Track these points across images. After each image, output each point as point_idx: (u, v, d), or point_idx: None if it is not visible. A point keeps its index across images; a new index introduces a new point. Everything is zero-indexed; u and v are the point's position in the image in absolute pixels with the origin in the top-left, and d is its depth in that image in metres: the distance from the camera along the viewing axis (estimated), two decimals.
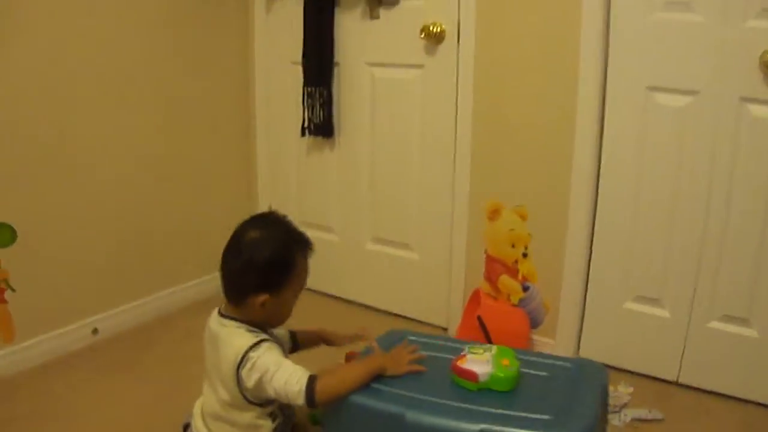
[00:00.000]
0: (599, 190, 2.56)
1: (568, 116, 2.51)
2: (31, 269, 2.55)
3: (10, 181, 2.47)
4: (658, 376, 2.61)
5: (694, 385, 2.55)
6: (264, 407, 1.87)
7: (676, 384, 2.58)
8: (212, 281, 3.10)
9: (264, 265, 1.82)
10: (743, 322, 2.40)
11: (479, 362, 1.75)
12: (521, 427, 1.57)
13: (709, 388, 2.52)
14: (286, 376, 1.74)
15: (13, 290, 2.51)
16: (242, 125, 3.37)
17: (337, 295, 3.31)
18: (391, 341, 2.01)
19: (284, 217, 1.95)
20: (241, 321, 1.86)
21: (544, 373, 1.82)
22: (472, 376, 1.72)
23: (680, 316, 2.50)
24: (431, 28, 2.74)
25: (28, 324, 2.59)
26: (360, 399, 1.73)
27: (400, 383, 1.77)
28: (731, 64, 2.23)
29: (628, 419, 2.38)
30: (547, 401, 1.68)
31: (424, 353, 1.89)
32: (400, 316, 3.17)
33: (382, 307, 3.21)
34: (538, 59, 2.56)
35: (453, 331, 2.96)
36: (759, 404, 2.43)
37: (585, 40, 2.44)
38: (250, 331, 1.84)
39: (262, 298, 1.82)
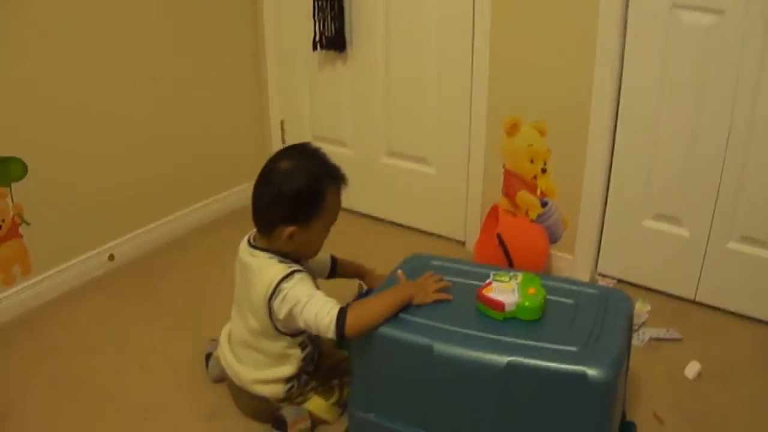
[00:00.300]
0: (620, 107, 2.49)
1: (589, 33, 2.42)
2: (43, 201, 2.53)
3: (18, 114, 2.41)
4: (676, 293, 2.63)
5: (711, 303, 2.56)
6: (294, 337, 1.90)
7: (694, 302, 2.60)
8: (225, 199, 3.21)
9: (293, 196, 1.81)
10: (762, 244, 2.39)
11: (505, 291, 1.75)
12: (548, 360, 1.58)
13: (725, 307, 2.54)
14: (317, 308, 1.75)
15: (27, 224, 2.49)
16: (250, 41, 3.27)
17: (353, 209, 3.29)
18: (413, 266, 2.01)
19: (318, 149, 1.92)
20: (272, 252, 1.86)
21: (570, 301, 1.81)
22: (498, 305, 1.72)
23: (699, 235, 2.49)
24: None
25: (44, 256, 2.59)
26: (387, 330, 1.73)
27: (426, 313, 1.77)
28: None
29: (646, 338, 2.40)
30: (574, 332, 1.68)
31: (449, 281, 1.88)
32: (416, 230, 3.17)
33: (399, 221, 3.21)
34: None
35: (470, 246, 2.96)
36: None
37: None
38: (282, 262, 1.84)
39: (290, 229, 1.82)
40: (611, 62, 2.42)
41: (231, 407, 2.07)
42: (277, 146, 3.38)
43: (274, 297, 1.79)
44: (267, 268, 1.83)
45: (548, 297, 1.77)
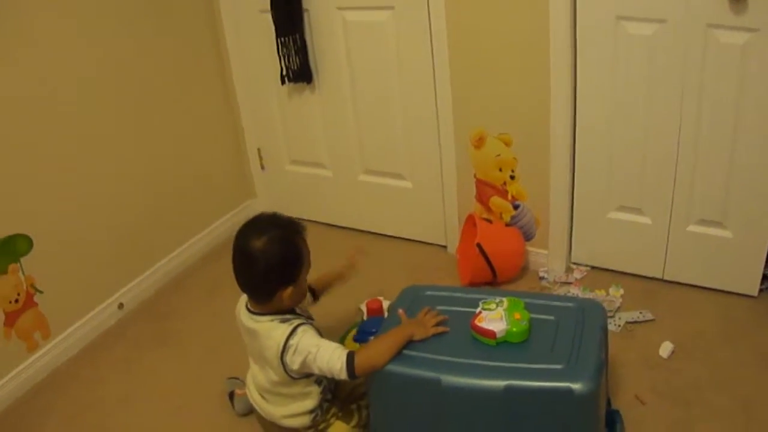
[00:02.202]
0: (577, 113, 2.68)
1: (542, 47, 2.59)
2: (51, 267, 2.68)
3: (17, 192, 2.56)
4: (645, 274, 2.86)
5: (678, 280, 2.80)
6: (310, 377, 2.10)
7: (662, 281, 2.83)
8: (214, 231, 3.43)
9: (280, 265, 2.00)
10: (718, 224, 2.61)
11: (494, 320, 1.96)
12: (539, 380, 1.81)
13: (691, 282, 2.78)
14: (327, 356, 1.96)
15: (40, 292, 2.65)
16: (219, 81, 3.41)
17: (338, 224, 3.48)
18: (410, 297, 2.22)
19: (271, 215, 2.12)
20: (272, 314, 2.06)
21: (551, 317, 2.03)
22: (490, 334, 1.94)
23: (661, 222, 2.71)
24: None
25: (60, 317, 2.76)
26: (398, 368, 1.93)
27: (428, 346, 1.98)
28: None
29: (622, 323, 2.63)
30: (557, 350, 1.90)
31: (445, 315, 2.07)
32: (400, 238, 3.36)
33: (383, 231, 3.40)
34: None
35: (452, 250, 3.17)
36: (736, 294, 2.70)
37: None
38: (284, 321, 2.04)
39: (288, 291, 2.02)
40: (565, 74, 2.59)
41: None
42: (256, 173, 3.59)
43: (285, 353, 1.99)
44: (273, 330, 2.02)
45: (532, 316, 1.98)
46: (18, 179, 2.55)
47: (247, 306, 2.13)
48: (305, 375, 2.08)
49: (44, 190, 2.64)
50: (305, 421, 2.15)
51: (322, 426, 2.19)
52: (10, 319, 2.56)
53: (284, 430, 2.19)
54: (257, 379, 2.19)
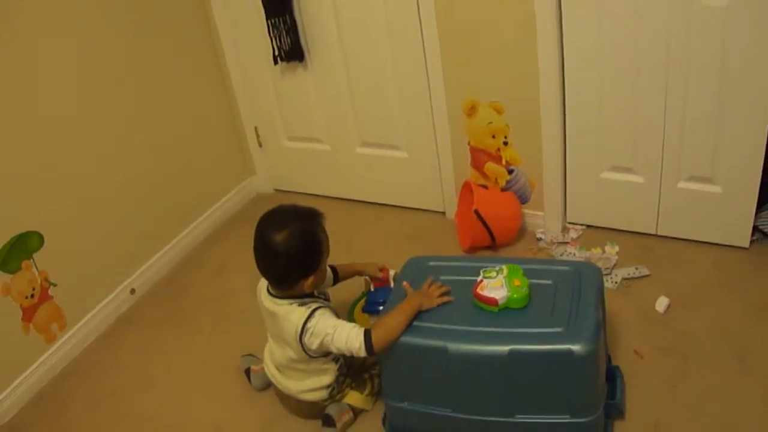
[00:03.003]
0: (565, 76, 2.72)
1: (528, 14, 2.62)
2: (63, 261, 2.76)
3: (24, 189, 2.63)
4: (639, 230, 2.93)
5: (672, 235, 2.88)
6: (327, 356, 2.21)
7: (656, 236, 2.91)
8: (219, 209, 3.54)
9: (301, 256, 2.10)
10: (708, 180, 2.68)
11: (495, 288, 2.05)
12: (541, 343, 1.91)
13: (684, 237, 2.85)
14: (345, 336, 2.06)
15: (54, 285, 2.74)
16: (212, 62, 3.45)
17: (339, 196, 3.56)
18: (414, 268, 2.31)
19: (291, 206, 2.20)
20: (292, 297, 2.16)
21: (549, 282, 2.12)
22: (492, 301, 2.03)
23: (652, 180, 2.78)
24: None
25: (75, 308, 2.85)
26: (407, 339, 2.03)
27: (434, 316, 2.07)
28: None
29: (619, 279, 2.72)
30: (557, 314, 1.99)
31: (449, 286, 2.16)
32: (400, 207, 3.44)
33: (382, 201, 3.48)
34: None
35: (450, 215, 3.26)
36: (727, 246, 2.78)
37: None
38: (302, 304, 2.14)
39: (309, 280, 2.13)
40: (552, 40, 2.63)
41: (284, 413, 2.39)
42: (255, 151, 3.66)
43: (303, 335, 2.10)
44: (292, 313, 2.12)
45: (531, 281, 2.07)
46: (23, 178, 2.62)
47: (268, 289, 2.22)
48: (323, 354, 2.18)
49: (49, 186, 2.71)
50: (323, 395, 2.27)
51: (338, 397, 2.30)
52: (28, 314, 2.65)
53: (302, 402, 2.31)
54: (275, 355, 2.30)
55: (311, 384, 2.26)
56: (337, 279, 2.51)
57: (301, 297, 2.16)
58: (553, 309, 2.01)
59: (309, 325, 2.09)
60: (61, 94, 2.73)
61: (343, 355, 2.21)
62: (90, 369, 2.78)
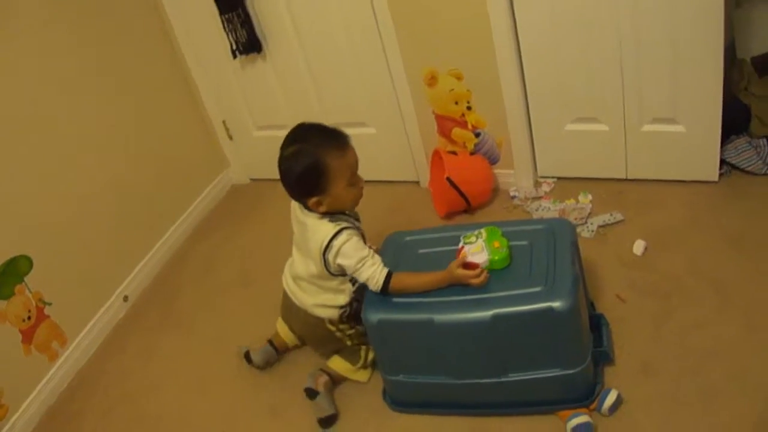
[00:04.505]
0: (519, 36, 2.76)
1: None
2: (54, 279, 2.81)
3: (10, 215, 2.68)
4: (610, 176, 3.00)
5: (642, 177, 2.95)
6: (345, 276, 2.27)
7: (627, 180, 2.98)
8: (199, 206, 3.58)
9: (298, 179, 2.14)
10: (671, 121, 2.75)
11: (476, 253, 2.12)
12: (522, 304, 1.99)
13: (654, 178, 2.93)
14: (369, 273, 2.14)
15: (49, 304, 2.79)
16: (172, 63, 3.49)
17: None
18: (392, 246, 2.37)
19: (313, 124, 2.21)
20: (320, 213, 2.20)
21: (524, 242, 2.19)
22: (475, 266, 2.09)
23: (616, 126, 2.84)
24: None
25: (72, 323, 2.91)
26: (394, 316, 2.12)
27: None
28: None
29: (594, 227, 2.79)
30: (534, 273, 2.07)
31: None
32: (374, 181, 3.42)
33: None
34: None
35: (424, 184, 3.33)
36: (697, 182, 2.85)
37: None
38: (331, 221, 2.19)
39: (315, 200, 2.16)
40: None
41: (287, 402, 2.45)
42: (226, 144, 3.71)
43: (327, 251, 2.16)
44: (320, 226, 2.18)
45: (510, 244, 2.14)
46: (7, 204, 2.66)
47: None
48: (342, 273, 2.24)
49: (30, 209, 2.75)
50: (334, 314, 2.34)
51: (342, 327, 2.37)
52: (27, 336, 2.70)
53: (310, 321, 2.37)
54: (296, 267, 2.37)
55: (325, 300, 2.33)
56: None
57: (334, 213, 2.20)
58: (531, 269, 2.09)
59: (334, 242, 2.15)
60: (27, 113, 2.77)
61: None
62: (96, 380, 2.84)
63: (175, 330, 2.96)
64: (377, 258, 2.16)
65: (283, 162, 2.14)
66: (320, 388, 2.34)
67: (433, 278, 2.12)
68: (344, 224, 2.18)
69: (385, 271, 2.13)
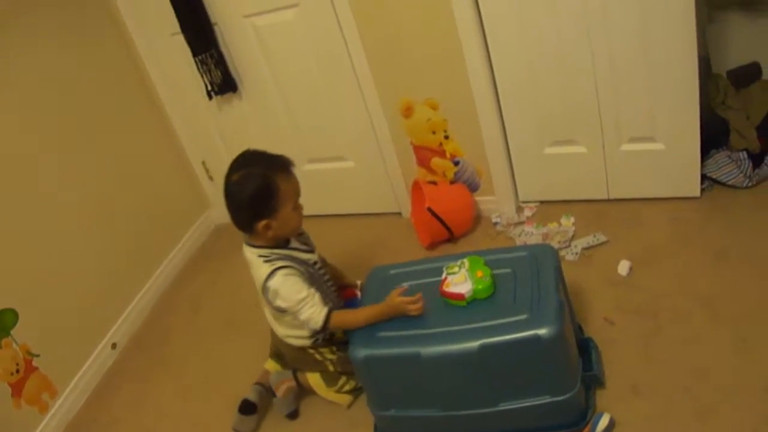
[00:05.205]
0: (493, 64, 2.80)
1: (446, 8, 2.68)
2: (41, 330, 2.79)
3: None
4: (591, 198, 3.01)
5: (623, 197, 2.96)
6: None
7: (608, 201, 2.99)
8: (182, 247, 3.59)
9: (250, 200, 2.15)
10: (649, 139, 2.77)
11: (460, 283, 2.12)
12: (508, 333, 1.98)
13: (636, 196, 2.94)
14: (307, 315, 2.21)
15: (37, 356, 2.77)
16: (149, 107, 3.49)
17: None
18: (376, 279, 2.37)
19: (257, 151, 2.25)
20: (259, 247, 2.24)
21: (508, 270, 2.19)
22: (459, 297, 2.10)
23: (595, 148, 2.86)
24: None
25: (61, 373, 2.88)
26: (381, 351, 2.11)
27: (404, 323, 2.14)
28: None
29: (578, 250, 2.79)
30: (519, 300, 2.06)
31: (419, 293, 2.17)
32: (356, 215, 3.50)
33: (338, 212, 3.54)
34: None
35: (406, 215, 3.34)
36: (679, 198, 2.87)
37: None
38: (267, 261, 2.22)
39: (264, 223, 2.17)
40: (471, 25, 2.69)
41: None
42: (207, 185, 3.70)
43: (266, 293, 2.21)
44: (258, 267, 2.23)
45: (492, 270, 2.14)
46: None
47: (245, 238, 2.29)
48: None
49: (14, 261, 2.74)
50: (306, 342, 2.38)
51: (322, 350, 2.41)
52: (17, 390, 2.67)
53: (291, 346, 2.42)
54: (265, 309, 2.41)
55: (291, 331, 2.37)
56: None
57: (271, 248, 2.23)
58: (515, 296, 2.09)
59: (269, 284, 2.19)
60: (6, 162, 2.77)
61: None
62: (88, 431, 2.80)
63: (165, 375, 2.94)
64: (317, 298, 2.21)
65: (233, 186, 2.17)
66: (280, 393, 2.41)
67: (373, 311, 2.17)
68: (279, 264, 2.21)
69: (325, 310, 2.19)
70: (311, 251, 2.37)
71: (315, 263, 2.35)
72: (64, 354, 2.90)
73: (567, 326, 2.04)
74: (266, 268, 2.19)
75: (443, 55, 2.81)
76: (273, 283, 2.18)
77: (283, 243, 2.28)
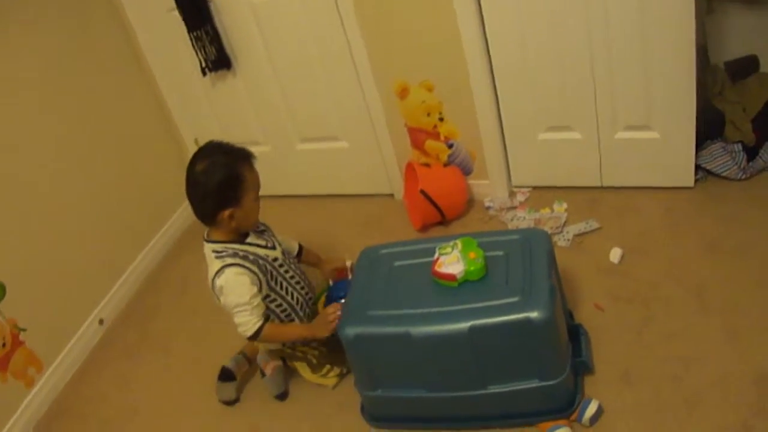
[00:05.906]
0: (489, 46, 2.77)
1: None
2: (28, 305, 2.77)
3: None
4: (585, 185, 3.00)
5: (617, 185, 2.95)
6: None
7: (602, 188, 2.98)
8: (172, 225, 3.59)
9: (218, 187, 2.16)
10: (645, 127, 2.75)
11: (452, 263, 2.10)
12: (499, 315, 1.97)
13: (629, 185, 2.92)
14: (241, 321, 2.24)
15: (24, 330, 2.74)
16: (143, 82, 3.46)
17: (287, 194, 3.57)
18: (367, 259, 2.36)
19: (221, 142, 2.28)
20: (215, 242, 2.26)
21: (500, 252, 2.18)
22: (451, 277, 2.09)
23: (590, 134, 2.84)
24: None
25: (48, 348, 2.86)
26: (371, 330, 2.09)
27: (395, 302, 2.14)
28: None
29: (570, 236, 2.78)
30: (511, 283, 2.06)
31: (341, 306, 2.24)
32: (348, 195, 3.48)
33: (331, 192, 3.53)
34: None
35: (399, 197, 3.32)
36: (672, 188, 2.86)
37: None
38: (218, 257, 2.23)
39: (228, 212, 2.18)
40: (469, 5, 2.65)
41: (268, 420, 2.44)
42: None
43: (213, 288, 2.22)
44: (209, 263, 2.24)
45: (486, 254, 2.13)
46: None
47: (204, 233, 2.30)
48: None
49: (2, 235, 2.71)
50: (277, 344, 2.41)
51: (302, 348, 2.42)
52: (3, 364, 2.65)
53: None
54: None
55: None
56: (299, 257, 2.59)
57: (226, 242, 2.23)
58: (508, 279, 2.08)
59: (216, 281, 2.20)
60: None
61: (281, 316, 2.36)
62: (74, 406, 2.79)
63: (152, 352, 2.92)
64: (257, 310, 2.23)
65: (199, 175, 2.16)
66: (268, 372, 2.43)
67: (303, 329, 2.33)
68: (229, 261, 2.21)
69: (259, 323, 2.23)
70: (272, 248, 2.36)
71: (276, 260, 2.34)
72: (51, 329, 2.88)
73: (558, 310, 2.03)
74: (216, 264, 2.20)
75: (440, 37, 2.78)
76: (220, 280, 2.19)
77: (240, 237, 2.27)
